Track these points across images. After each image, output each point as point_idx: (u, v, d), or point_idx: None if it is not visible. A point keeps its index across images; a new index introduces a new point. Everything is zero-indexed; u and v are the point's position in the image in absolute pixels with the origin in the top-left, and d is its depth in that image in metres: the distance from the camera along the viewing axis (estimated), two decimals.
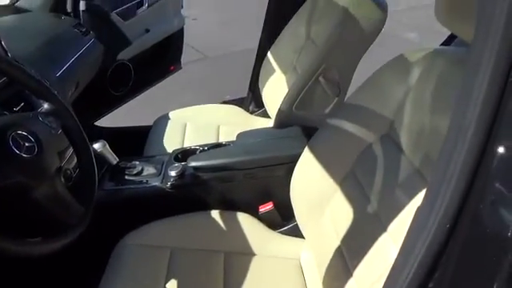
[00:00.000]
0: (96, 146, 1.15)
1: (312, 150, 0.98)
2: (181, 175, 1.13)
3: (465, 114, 0.35)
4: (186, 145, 1.52)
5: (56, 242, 0.73)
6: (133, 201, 1.13)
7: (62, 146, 0.87)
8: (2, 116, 0.76)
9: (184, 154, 1.24)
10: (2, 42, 1.07)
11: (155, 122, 1.72)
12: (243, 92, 2.21)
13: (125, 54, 2.02)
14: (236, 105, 1.82)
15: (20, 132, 0.73)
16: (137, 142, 1.63)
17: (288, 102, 1.22)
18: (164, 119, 1.70)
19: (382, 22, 1.15)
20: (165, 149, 1.48)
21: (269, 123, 1.64)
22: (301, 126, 1.21)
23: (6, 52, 1.07)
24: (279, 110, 1.25)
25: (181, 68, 2.57)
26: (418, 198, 0.71)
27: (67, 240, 0.75)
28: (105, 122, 2.11)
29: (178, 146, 1.50)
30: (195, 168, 1.12)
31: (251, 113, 1.82)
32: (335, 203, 0.93)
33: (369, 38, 1.17)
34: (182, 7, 2.48)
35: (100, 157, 1.16)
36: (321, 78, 1.18)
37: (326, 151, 0.96)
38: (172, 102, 2.93)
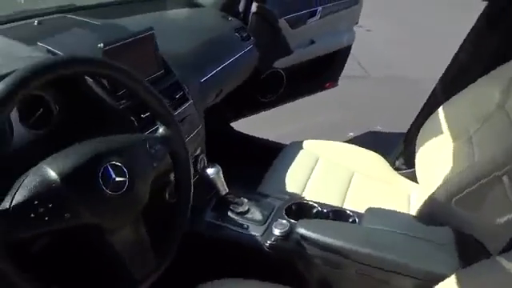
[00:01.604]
0: (210, 171, 1.06)
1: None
2: (285, 237, 0.95)
3: None
4: (310, 185, 1.33)
5: None
6: (223, 243, 1.00)
7: (161, 175, 0.78)
8: (107, 139, 0.68)
9: (298, 209, 1.06)
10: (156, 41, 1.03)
11: (287, 147, 1.57)
12: (389, 127, 1.89)
13: (282, 63, 1.93)
14: (378, 152, 1.54)
15: (115, 163, 0.64)
16: (262, 156, 1.51)
17: (448, 191, 0.92)
18: (296, 147, 1.53)
19: None
20: (285, 184, 1.32)
21: (414, 191, 1.34)
22: (456, 229, 0.90)
23: (155, 49, 1.03)
24: (433, 195, 0.96)
25: (337, 85, 2.38)
26: None
27: None
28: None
29: (300, 185, 1.33)
30: (303, 236, 0.93)
31: (396, 169, 1.52)
32: None
33: None
34: (357, 23, 2.27)
35: (210, 183, 1.06)
36: (505, 178, 0.85)
37: None
38: (309, 116, 2.76)
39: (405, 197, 1.33)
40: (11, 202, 0.53)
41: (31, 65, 0.58)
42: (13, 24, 1.04)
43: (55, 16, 1.16)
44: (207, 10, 1.56)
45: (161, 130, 0.79)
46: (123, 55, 0.93)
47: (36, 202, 0.55)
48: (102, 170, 0.62)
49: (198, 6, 1.58)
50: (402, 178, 1.44)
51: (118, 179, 0.64)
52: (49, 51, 0.89)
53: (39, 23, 1.05)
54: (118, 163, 0.65)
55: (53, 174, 0.58)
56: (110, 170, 0.63)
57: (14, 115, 0.80)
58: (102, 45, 0.87)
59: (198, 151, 1.16)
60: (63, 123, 0.88)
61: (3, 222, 0.52)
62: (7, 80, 0.56)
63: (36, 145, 0.81)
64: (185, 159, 0.81)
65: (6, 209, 0.53)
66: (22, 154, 0.76)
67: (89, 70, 0.67)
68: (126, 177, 0.65)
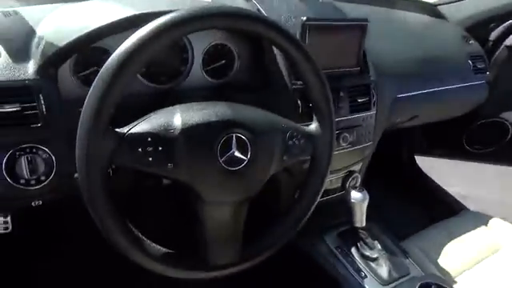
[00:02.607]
0: (354, 194, 0.90)
1: None
2: None
3: None
4: (472, 274, 1.02)
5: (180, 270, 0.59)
6: (326, 276, 0.86)
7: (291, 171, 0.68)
8: (248, 109, 0.62)
9: None
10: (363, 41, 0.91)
11: (467, 213, 1.26)
12: None
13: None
14: None
15: (242, 137, 0.58)
16: (431, 207, 1.25)
17: None
18: (478, 218, 1.20)
19: None
20: (439, 254, 1.05)
21: None
22: None
23: (361, 43, 0.90)
24: None
25: None
26: None
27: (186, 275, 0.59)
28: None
29: (459, 267, 1.03)
30: None
31: None
32: None
33: None
34: None
35: (348, 206, 0.91)
36: None
37: None
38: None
39: None
40: (130, 129, 0.53)
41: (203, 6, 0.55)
42: None
43: None
44: (448, 25, 1.32)
45: (313, 125, 0.68)
46: (324, 35, 0.85)
47: (149, 140, 0.53)
48: (225, 137, 0.56)
49: (441, 17, 1.35)
50: None
51: (237, 155, 0.57)
52: (257, 9, 0.88)
53: None
54: (245, 138, 0.58)
55: (177, 121, 0.55)
56: (234, 141, 0.57)
57: (198, 58, 0.82)
58: (304, 18, 0.81)
59: (356, 168, 1.01)
60: (236, 81, 0.88)
61: (112, 143, 0.51)
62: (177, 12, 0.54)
63: (204, 91, 0.83)
64: (323, 169, 0.68)
65: (123, 133, 0.53)
66: (186, 95, 0.77)
67: (256, 29, 0.59)
68: (247, 156, 0.58)
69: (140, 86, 0.79)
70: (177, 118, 0.55)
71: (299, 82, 0.84)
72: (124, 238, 0.54)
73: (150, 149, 0.53)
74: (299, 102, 0.83)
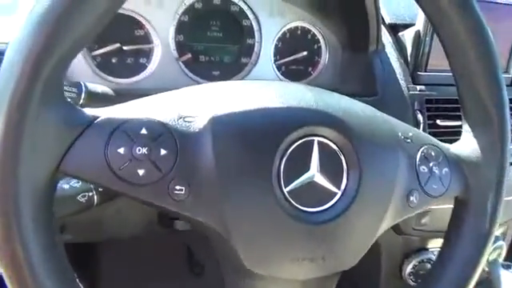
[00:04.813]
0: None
1: None
2: None
3: None
4: None
5: None
6: None
7: None
8: (351, 103, 0.32)
9: None
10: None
11: None
12: None
13: None
14: None
15: (332, 144, 0.28)
16: None
17: None
18: None
19: None
20: None
21: None
22: None
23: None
24: None
25: None
26: None
27: None
28: None
29: None
30: None
31: None
32: None
33: None
34: None
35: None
36: None
37: None
38: None
39: None
40: (107, 112, 0.26)
41: None
42: None
43: None
44: None
45: (466, 142, 0.36)
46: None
47: (143, 132, 0.25)
48: (298, 142, 0.27)
49: None
50: None
51: (318, 181, 0.28)
52: None
53: None
54: (337, 148, 0.28)
55: (205, 103, 0.27)
56: (316, 152, 0.27)
57: (268, 47, 0.57)
58: None
59: (498, 232, 0.65)
60: (323, 83, 0.61)
61: (64, 132, 0.24)
62: None
63: None
64: (483, 225, 0.35)
65: (91, 116, 0.25)
66: None
67: None
68: (339, 186, 0.28)
69: (179, 77, 0.54)
70: (205, 96, 0.28)
71: (419, 88, 0.56)
72: None
73: (144, 151, 0.25)
74: (420, 116, 0.54)
